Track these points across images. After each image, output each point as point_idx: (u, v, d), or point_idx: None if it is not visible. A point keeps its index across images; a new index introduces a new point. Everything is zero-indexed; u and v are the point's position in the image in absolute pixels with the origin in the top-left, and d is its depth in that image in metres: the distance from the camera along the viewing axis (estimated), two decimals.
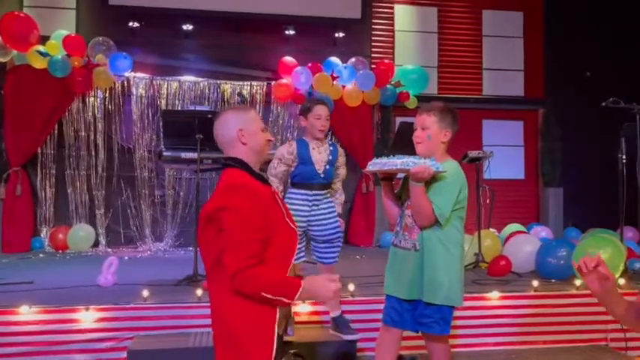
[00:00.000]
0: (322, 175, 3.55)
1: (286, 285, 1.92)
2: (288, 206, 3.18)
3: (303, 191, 3.52)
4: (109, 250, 7.00)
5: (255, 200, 1.95)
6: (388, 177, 2.84)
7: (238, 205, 1.91)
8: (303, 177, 3.53)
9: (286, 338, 2.36)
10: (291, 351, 3.27)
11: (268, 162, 3.50)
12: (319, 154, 3.56)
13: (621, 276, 4.36)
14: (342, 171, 3.76)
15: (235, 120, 2.07)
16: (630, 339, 3.98)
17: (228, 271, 1.89)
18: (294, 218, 3.10)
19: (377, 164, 2.72)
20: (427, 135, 2.73)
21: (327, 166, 3.57)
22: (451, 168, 2.69)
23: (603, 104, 5.24)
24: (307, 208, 3.51)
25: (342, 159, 3.73)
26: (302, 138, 3.65)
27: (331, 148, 3.65)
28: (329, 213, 3.57)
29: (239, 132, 2.04)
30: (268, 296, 1.88)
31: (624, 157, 4.92)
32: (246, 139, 2.05)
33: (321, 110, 3.53)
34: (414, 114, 8.44)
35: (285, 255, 2.05)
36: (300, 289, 1.89)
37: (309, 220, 3.52)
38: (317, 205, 3.54)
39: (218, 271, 1.99)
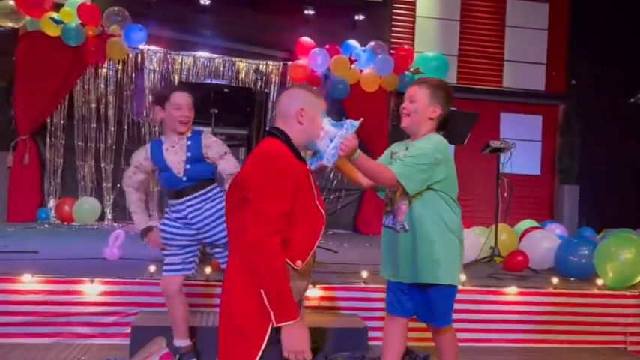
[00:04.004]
0: (185, 179, 2.90)
1: (287, 305, 1.80)
2: (165, 232, 2.96)
3: (174, 207, 2.94)
4: (115, 224, 6.90)
5: (285, 172, 1.86)
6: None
7: (266, 173, 1.84)
8: (168, 185, 2.97)
9: None
10: None
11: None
12: (174, 155, 2.91)
13: None
14: (223, 164, 2.97)
15: (302, 98, 2.02)
16: None
17: (249, 239, 1.80)
18: (176, 242, 2.94)
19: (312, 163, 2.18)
20: (414, 108, 2.50)
21: (188, 166, 2.90)
22: (431, 139, 2.46)
23: (632, 100, 5.05)
24: (185, 221, 2.93)
25: (213, 151, 2.95)
26: (158, 138, 3.05)
27: (189, 142, 2.92)
28: (218, 212, 2.92)
29: (299, 110, 1.99)
30: (264, 296, 1.78)
31: None
32: (303, 120, 2.00)
33: (180, 98, 2.87)
34: None
35: (309, 239, 1.95)
36: (292, 322, 1.79)
37: (197, 230, 2.93)
38: (198, 210, 2.92)
39: (235, 245, 1.93)
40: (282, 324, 1.78)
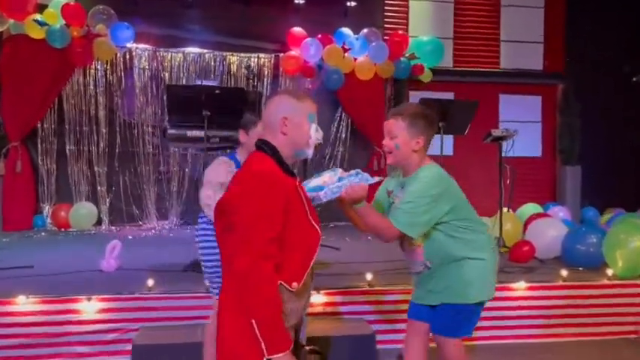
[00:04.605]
0: None
1: (278, 336, 1.72)
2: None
3: None
4: (112, 228, 6.80)
5: (274, 190, 1.77)
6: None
7: (253, 193, 1.75)
8: None
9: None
10: (307, 347, 3.05)
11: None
12: None
13: None
14: None
15: (285, 105, 1.91)
16: None
17: (236, 268, 1.71)
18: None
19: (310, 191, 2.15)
20: (395, 144, 2.35)
21: None
22: (423, 176, 2.32)
23: (634, 79, 4.92)
24: None
25: None
26: (232, 154, 2.88)
27: None
28: None
29: (283, 120, 1.88)
30: (254, 326, 1.70)
31: None
32: (288, 130, 1.89)
33: None
34: (429, 88, 7.99)
35: (304, 259, 1.86)
36: (283, 354, 1.72)
37: None
38: None
39: (225, 272, 1.84)
40: (273, 356, 1.72)
